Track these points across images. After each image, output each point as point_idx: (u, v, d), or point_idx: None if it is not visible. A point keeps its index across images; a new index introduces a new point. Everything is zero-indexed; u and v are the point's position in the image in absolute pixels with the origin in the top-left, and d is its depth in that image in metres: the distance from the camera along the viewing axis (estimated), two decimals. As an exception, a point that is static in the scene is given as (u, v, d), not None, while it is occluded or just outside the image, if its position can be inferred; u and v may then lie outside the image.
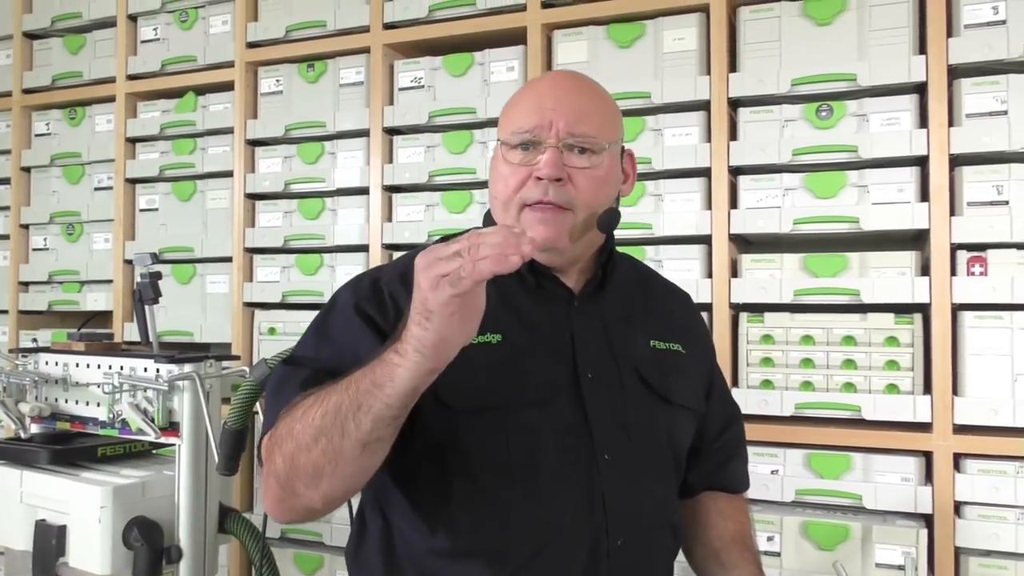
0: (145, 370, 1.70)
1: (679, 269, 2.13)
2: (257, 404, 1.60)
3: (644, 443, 1.20)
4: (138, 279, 1.84)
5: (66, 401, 1.82)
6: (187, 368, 1.66)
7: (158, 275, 1.85)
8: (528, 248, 0.84)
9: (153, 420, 1.66)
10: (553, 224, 1.14)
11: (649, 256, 2.16)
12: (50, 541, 1.63)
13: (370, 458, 0.97)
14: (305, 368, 1.11)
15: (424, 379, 0.91)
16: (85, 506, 1.61)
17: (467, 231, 1.27)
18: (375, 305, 1.14)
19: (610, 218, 1.18)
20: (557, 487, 1.12)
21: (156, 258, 1.85)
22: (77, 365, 1.81)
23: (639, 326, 1.26)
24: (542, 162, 1.13)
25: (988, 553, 1.86)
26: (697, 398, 1.31)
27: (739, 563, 1.28)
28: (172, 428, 1.67)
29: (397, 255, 2.43)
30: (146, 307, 1.82)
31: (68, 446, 1.77)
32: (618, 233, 2.13)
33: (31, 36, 3.08)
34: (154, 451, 1.88)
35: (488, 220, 1.26)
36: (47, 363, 1.84)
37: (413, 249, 1.27)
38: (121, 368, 1.72)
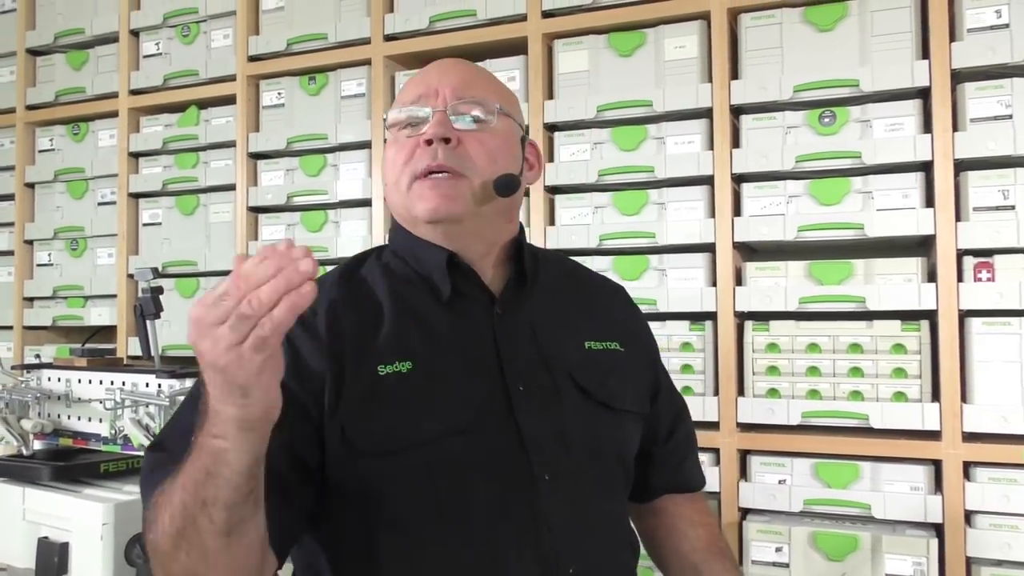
0: (147, 385, 1.70)
1: (683, 278, 2.12)
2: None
3: (587, 457, 1.10)
4: (139, 294, 1.84)
5: (68, 417, 1.82)
6: (188, 383, 1.65)
7: (159, 290, 1.84)
8: (308, 264, 0.72)
9: (155, 435, 1.65)
10: (446, 189, 1.05)
11: (653, 265, 2.15)
12: (52, 559, 1.62)
13: (242, 539, 0.87)
14: (167, 452, 0.97)
15: (261, 447, 0.83)
16: (87, 523, 1.60)
17: (375, 253, 1.16)
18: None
19: (507, 180, 1.08)
20: (495, 522, 1.02)
21: (157, 273, 1.85)
22: (79, 381, 1.81)
23: (571, 327, 1.17)
24: (428, 125, 1.07)
25: (1000, 563, 1.84)
26: (640, 399, 1.22)
27: (721, 574, 1.22)
28: (174, 444, 1.66)
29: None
30: (148, 322, 1.81)
31: (70, 463, 1.77)
32: (621, 242, 2.15)
33: (34, 52, 3.09)
34: (157, 467, 1.88)
35: (393, 233, 1.17)
36: (49, 379, 1.84)
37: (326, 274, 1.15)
38: (123, 384, 1.72)
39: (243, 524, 0.86)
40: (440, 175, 1.06)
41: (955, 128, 1.91)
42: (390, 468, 1.00)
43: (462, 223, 1.09)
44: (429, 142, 1.06)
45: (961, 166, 1.93)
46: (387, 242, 1.20)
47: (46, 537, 1.66)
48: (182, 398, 1.64)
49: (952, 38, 1.93)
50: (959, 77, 1.94)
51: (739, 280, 2.10)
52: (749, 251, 2.25)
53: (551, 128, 2.30)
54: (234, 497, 0.83)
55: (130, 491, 1.69)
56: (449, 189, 1.06)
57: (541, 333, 1.13)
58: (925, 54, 1.96)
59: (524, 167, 1.17)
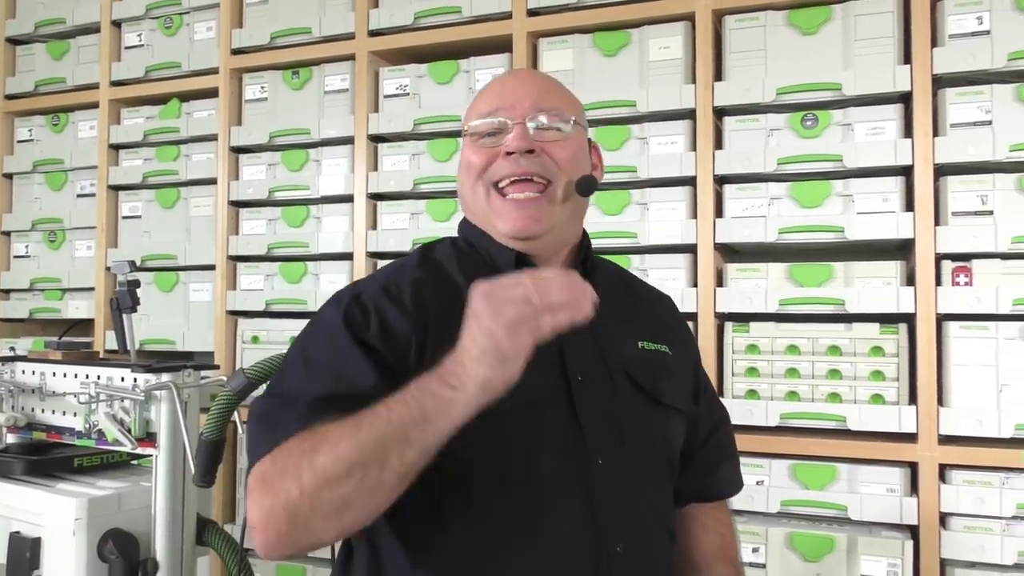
0: (122, 379, 1.68)
1: (664, 278, 2.12)
2: (235, 415, 1.58)
3: (638, 447, 1.16)
4: (116, 287, 1.82)
5: (42, 411, 1.79)
6: (164, 378, 1.63)
7: (136, 283, 1.82)
8: (593, 300, 0.88)
9: (130, 430, 1.64)
10: (531, 211, 1.12)
11: (634, 265, 2.15)
12: (24, 554, 1.60)
13: (401, 486, 0.95)
14: (297, 401, 1.04)
15: (470, 415, 0.92)
16: (60, 518, 1.58)
17: (449, 240, 1.27)
18: (362, 322, 1.10)
19: (588, 180, 1.14)
20: (555, 494, 1.08)
21: (135, 266, 1.82)
22: (54, 374, 1.78)
23: (626, 327, 1.23)
24: (509, 137, 1.11)
25: (973, 565, 1.85)
26: (686, 400, 1.28)
27: None
28: (149, 439, 1.64)
29: (382, 263, 2.42)
30: (124, 315, 1.79)
31: (44, 456, 1.75)
32: (603, 242, 2.16)
33: (14, 41, 3.06)
34: (133, 461, 1.86)
35: (465, 226, 1.23)
36: (23, 372, 1.82)
37: (391, 262, 1.24)
38: (98, 377, 1.70)
39: (414, 473, 0.94)
40: (523, 195, 1.12)
41: (935, 133, 1.93)
42: (461, 434, 1.01)
43: (542, 238, 1.15)
44: (510, 153, 1.11)
45: (941, 171, 1.94)
46: (457, 234, 1.25)
47: (18, 532, 1.63)
48: (157, 392, 1.63)
49: (934, 44, 1.94)
50: (940, 82, 1.95)
51: (720, 281, 2.10)
52: (730, 252, 2.26)
53: (535, 126, 2.29)
54: (432, 445, 0.92)
55: (104, 486, 1.67)
56: (534, 211, 1.12)
57: (598, 330, 1.15)
58: (907, 59, 1.97)
59: (591, 166, 1.23)
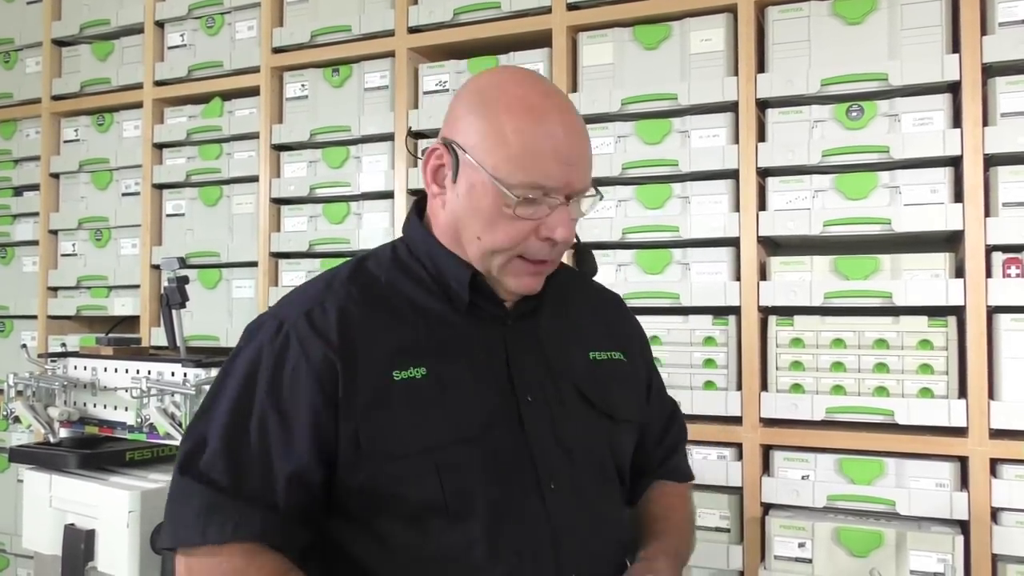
0: (172, 374, 1.71)
1: (707, 272, 2.11)
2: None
3: (588, 465, 1.14)
4: (165, 283, 1.85)
5: (95, 405, 1.83)
6: (214, 372, 1.65)
7: (185, 279, 1.85)
8: None
9: (181, 424, 1.66)
10: (539, 278, 1.12)
11: (676, 259, 2.14)
12: (79, 546, 1.63)
13: None
14: (211, 489, 1.01)
15: None
16: (113, 511, 1.61)
17: (391, 246, 1.18)
18: (285, 362, 1.05)
19: (592, 266, 1.21)
20: (502, 527, 1.05)
21: (184, 263, 1.85)
22: (105, 370, 1.82)
23: (576, 337, 1.21)
24: (558, 225, 1.06)
25: (1026, 561, 1.83)
26: (640, 406, 1.27)
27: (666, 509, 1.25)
28: (199, 432, 1.67)
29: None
30: (173, 311, 1.82)
31: (97, 450, 1.79)
32: (644, 236, 2.15)
33: (60, 43, 3.11)
34: (181, 455, 1.89)
35: (419, 235, 1.16)
36: (76, 367, 1.86)
37: (324, 272, 1.18)
38: (149, 372, 1.73)
39: None
40: (540, 269, 1.11)
41: (985, 123, 1.89)
42: (401, 469, 1.04)
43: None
44: (554, 241, 1.07)
45: (991, 161, 1.90)
46: (402, 235, 1.20)
47: (72, 524, 1.67)
48: (208, 387, 1.65)
49: (983, 32, 1.90)
50: (990, 71, 1.92)
51: (763, 275, 2.08)
52: (774, 245, 2.23)
53: (575, 121, 2.29)
54: None
55: (156, 479, 1.70)
56: (541, 280, 1.13)
57: (548, 344, 1.17)
58: (955, 48, 1.93)
59: None
